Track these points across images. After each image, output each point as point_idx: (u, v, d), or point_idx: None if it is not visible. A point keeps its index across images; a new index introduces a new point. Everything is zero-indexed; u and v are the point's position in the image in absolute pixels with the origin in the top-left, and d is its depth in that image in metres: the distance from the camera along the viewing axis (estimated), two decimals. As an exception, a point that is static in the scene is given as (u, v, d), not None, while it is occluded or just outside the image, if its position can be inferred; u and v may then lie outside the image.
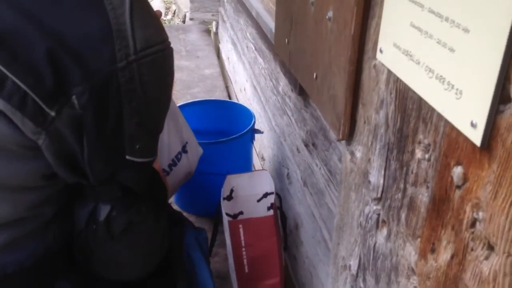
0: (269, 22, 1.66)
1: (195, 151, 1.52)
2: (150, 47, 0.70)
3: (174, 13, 6.31)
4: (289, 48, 1.18)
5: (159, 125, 0.79)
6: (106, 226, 0.78)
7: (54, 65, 0.63)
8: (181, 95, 2.89)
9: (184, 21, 5.19)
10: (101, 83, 0.66)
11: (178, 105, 1.89)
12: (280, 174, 1.81)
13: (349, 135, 0.87)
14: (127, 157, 0.75)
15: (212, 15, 3.84)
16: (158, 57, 0.71)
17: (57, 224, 0.80)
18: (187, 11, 4.71)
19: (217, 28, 3.89)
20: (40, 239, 0.78)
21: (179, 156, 1.44)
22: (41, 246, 0.78)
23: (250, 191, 1.58)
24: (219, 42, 3.76)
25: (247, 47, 2.49)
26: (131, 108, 0.70)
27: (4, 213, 0.72)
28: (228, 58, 3.27)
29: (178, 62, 3.38)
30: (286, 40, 1.18)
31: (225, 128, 1.93)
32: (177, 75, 3.17)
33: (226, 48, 3.35)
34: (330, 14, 0.87)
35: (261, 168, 2.19)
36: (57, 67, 0.63)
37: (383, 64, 0.71)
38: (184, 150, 1.46)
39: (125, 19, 0.68)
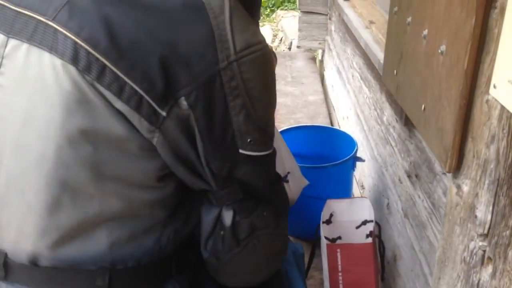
0: (377, 52, 1.68)
1: (298, 182, 1.52)
2: (248, 47, 0.76)
3: (281, 40, 6.49)
4: (397, 79, 1.19)
5: (267, 121, 0.83)
6: (232, 231, 0.84)
7: (165, 71, 0.72)
8: (285, 119, 2.98)
9: (290, 48, 5.33)
10: (206, 83, 0.74)
11: (282, 129, 1.96)
12: (379, 203, 1.80)
13: (456, 168, 0.87)
14: (240, 150, 0.80)
15: (319, 43, 3.92)
16: (257, 56, 0.77)
17: (172, 227, 0.88)
18: (293, 39, 4.85)
19: (322, 56, 3.95)
20: (156, 238, 0.86)
21: None
22: (156, 246, 0.86)
23: (350, 217, 1.59)
24: (324, 70, 3.82)
25: (352, 76, 2.51)
26: (236, 104, 0.77)
27: (123, 207, 0.80)
28: (333, 85, 3.31)
29: (284, 87, 3.49)
30: (395, 71, 1.20)
31: (327, 154, 1.96)
32: (282, 100, 3.27)
33: (331, 76, 3.40)
34: (442, 48, 0.88)
35: (360, 196, 2.18)
36: (168, 72, 0.73)
37: (496, 100, 0.71)
38: (285, 179, 1.48)
39: (225, 25, 0.75)
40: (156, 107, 0.73)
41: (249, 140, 0.80)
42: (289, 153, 1.49)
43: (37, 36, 0.74)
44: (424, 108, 0.98)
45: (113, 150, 0.75)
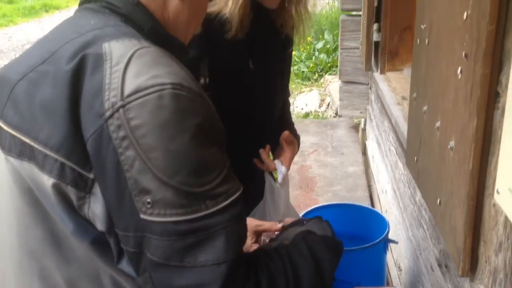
0: (406, 132, 1.66)
1: None
2: (138, 91, 0.68)
3: (328, 105, 6.54)
4: (417, 166, 1.16)
5: (181, 176, 0.68)
6: None
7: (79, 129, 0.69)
8: (323, 192, 2.94)
9: (336, 114, 5.35)
10: (94, 137, 0.68)
11: (311, 208, 1.93)
12: (415, 289, 1.70)
13: (471, 270, 0.82)
14: (141, 216, 0.68)
15: (361, 112, 3.91)
16: (149, 99, 0.67)
17: None
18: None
19: (365, 125, 3.93)
20: None
21: None
22: None
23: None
24: (366, 139, 3.79)
25: (389, 149, 2.47)
26: (128, 156, 0.67)
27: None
28: (373, 156, 3.26)
29: (324, 158, 3.47)
30: (415, 158, 1.17)
31: (359, 233, 1.90)
32: (321, 171, 3.25)
33: (372, 146, 3.36)
34: (452, 144, 0.86)
35: (397, 278, 2.08)
36: (80, 128, 0.69)
37: (500, 206, 0.67)
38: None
39: (119, 72, 0.69)
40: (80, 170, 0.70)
41: (148, 200, 0.68)
42: None
43: None
44: (440, 202, 0.94)
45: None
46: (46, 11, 9.08)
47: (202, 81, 0.87)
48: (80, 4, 0.86)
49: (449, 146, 0.86)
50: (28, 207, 0.76)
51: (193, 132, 0.68)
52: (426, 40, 1.05)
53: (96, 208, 0.71)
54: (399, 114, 1.87)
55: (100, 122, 0.68)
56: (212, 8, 1.27)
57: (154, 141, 0.67)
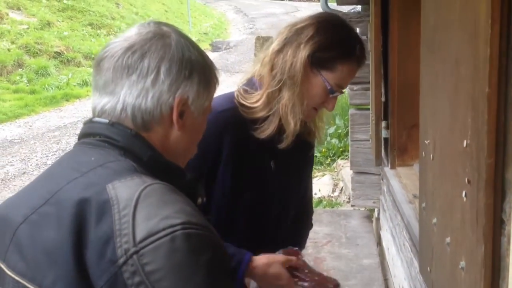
0: (418, 234, 1.65)
1: None
2: (150, 236, 0.69)
3: (341, 190, 6.53)
4: (431, 276, 1.16)
5: None
6: None
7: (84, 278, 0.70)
8: (337, 287, 2.87)
9: (349, 199, 5.33)
10: (109, 285, 0.68)
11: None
12: None
13: None
14: None
15: (373, 202, 3.91)
16: (162, 242, 0.68)
17: None
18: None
19: (378, 214, 3.91)
20: None
21: None
22: None
23: None
24: (380, 229, 3.75)
25: (403, 244, 2.44)
26: None
27: None
28: (388, 248, 3.21)
29: (338, 249, 3.42)
30: (429, 268, 1.17)
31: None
32: (336, 264, 3.19)
33: (386, 238, 3.31)
34: (462, 264, 0.87)
35: None
36: (87, 276, 0.69)
37: None
38: None
39: (128, 217, 0.70)
40: None
41: None
42: None
43: None
44: (455, 321, 0.93)
45: None
46: (67, 100, 9.46)
47: (199, 200, 0.90)
48: (79, 139, 0.87)
49: (460, 266, 0.87)
50: None
51: (206, 269, 0.70)
52: (431, 155, 1.09)
53: None
54: (411, 213, 1.88)
55: (113, 269, 0.68)
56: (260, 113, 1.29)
57: (170, 284, 0.68)
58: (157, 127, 0.84)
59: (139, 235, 0.69)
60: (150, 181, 0.76)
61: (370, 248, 3.42)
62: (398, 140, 2.40)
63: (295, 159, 1.46)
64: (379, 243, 3.67)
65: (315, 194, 5.90)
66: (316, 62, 1.25)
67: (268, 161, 1.40)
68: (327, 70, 1.26)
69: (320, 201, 5.72)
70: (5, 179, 5.68)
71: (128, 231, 0.69)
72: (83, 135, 0.86)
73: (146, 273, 0.68)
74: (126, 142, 0.82)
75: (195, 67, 0.85)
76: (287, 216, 1.52)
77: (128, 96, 0.81)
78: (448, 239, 0.97)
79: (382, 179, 3.66)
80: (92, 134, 0.84)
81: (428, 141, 1.11)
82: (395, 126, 2.40)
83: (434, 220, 1.09)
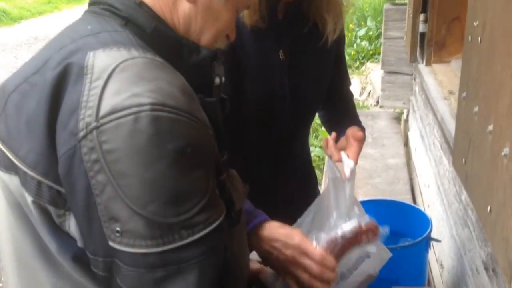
0: (453, 130, 1.60)
1: (381, 255, 1.43)
2: (114, 112, 0.63)
3: (369, 93, 6.42)
4: (466, 168, 1.12)
5: (155, 206, 0.64)
6: None
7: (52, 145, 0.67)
8: (361, 184, 2.89)
9: (378, 102, 5.24)
10: (66, 157, 0.65)
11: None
12: (458, 290, 1.65)
13: (524, 285, 0.78)
14: (110, 243, 0.65)
15: (403, 103, 3.82)
16: (124, 122, 0.62)
17: None
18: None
19: (407, 115, 3.84)
20: None
21: (360, 260, 1.39)
22: None
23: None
24: (408, 130, 3.70)
25: (433, 143, 2.40)
26: (98, 181, 0.64)
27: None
28: (415, 149, 3.18)
29: (364, 149, 3.38)
30: (464, 159, 1.13)
31: (400, 230, 1.86)
32: (360, 163, 3.18)
33: (414, 138, 3.28)
34: (506, 151, 0.82)
35: (439, 276, 2.03)
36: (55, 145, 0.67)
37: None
38: (367, 255, 1.40)
39: (98, 89, 0.65)
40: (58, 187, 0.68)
41: (117, 229, 0.64)
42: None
43: None
44: (490, 210, 0.90)
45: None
46: (89, -3, 9.32)
47: (217, 80, 0.81)
48: (89, 6, 0.82)
49: (502, 153, 0.82)
50: (19, 221, 0.74)
51: (172, 158, 0.64)
52: (479, 38, 1.00)
53: (74, 225, 0.69)
54: (446, 109, 1.81)
55: (73, 142, 0.64)
56: None
57: (127, 168, 0.63)
58: None
59: (103, 110, 0.63)
60: (140, 55, 0.69)
61: (396, 148, 3.40)
62: (437, 35, 2.26)
63: (308, 48, 1.31)
64: (406, 144, 3.64)
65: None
66: None
67: (274, 52, 1.26)
68: None
69: (347, 103, 5.64)
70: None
71: (93, 104, 0.64)
72: (90, 3, 0.81)
73: (103, 152, 0.63)
74: (128, 12, 0.75)
75: None
76: (305, 115, 1.43)
77: None
78: (490, 127, 0.91)
79: (414, 79, 3.54)
80: (97, 3, 0.79)
81: (477, 22, 1.01)
82: (434, 19, 2.24)
83: (476, 109, 1.03)
